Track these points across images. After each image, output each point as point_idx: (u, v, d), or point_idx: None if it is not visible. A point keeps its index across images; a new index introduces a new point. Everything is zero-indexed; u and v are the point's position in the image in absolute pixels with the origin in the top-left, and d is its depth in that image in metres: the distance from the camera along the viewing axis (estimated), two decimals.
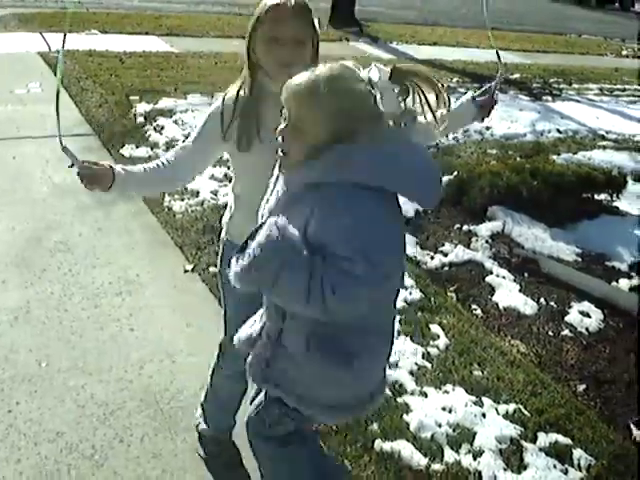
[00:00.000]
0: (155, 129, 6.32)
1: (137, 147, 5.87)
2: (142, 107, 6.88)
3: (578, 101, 10.10)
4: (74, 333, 3.33)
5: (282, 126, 1.67)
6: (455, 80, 10.14)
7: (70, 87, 7.54)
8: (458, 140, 7.10)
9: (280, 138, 1.67)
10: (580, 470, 2.79)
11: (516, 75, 11.23)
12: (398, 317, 3.60)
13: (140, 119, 6.57)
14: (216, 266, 4.05)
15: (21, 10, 12.25)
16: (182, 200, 4.92)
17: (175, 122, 6.54)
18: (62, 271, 3.88)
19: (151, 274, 3.96)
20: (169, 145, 5.88)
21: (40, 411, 2.79)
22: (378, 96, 1.62)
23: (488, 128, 7.57)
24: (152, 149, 5.84)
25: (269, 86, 2.03)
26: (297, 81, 1.64)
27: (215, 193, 5.08)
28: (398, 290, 1.85)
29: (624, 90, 11.51)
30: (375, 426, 2.85)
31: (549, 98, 10.00)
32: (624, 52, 16.59)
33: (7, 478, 2.47)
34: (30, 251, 4.06)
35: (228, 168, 5.56)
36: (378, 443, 2.77)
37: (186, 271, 4.04)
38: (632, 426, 3.19)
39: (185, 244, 4.35)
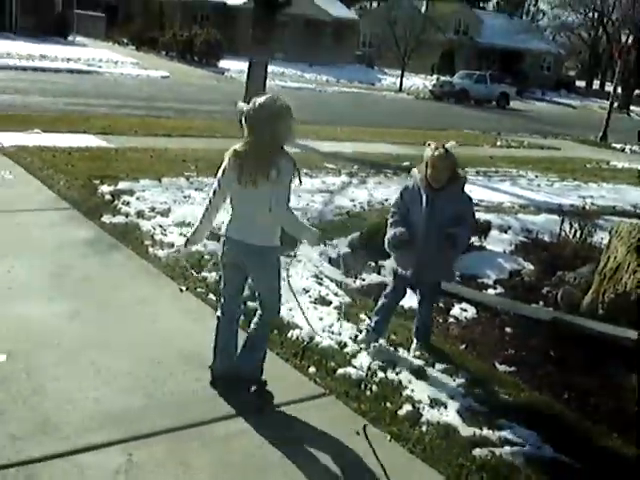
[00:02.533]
0: (123, 203, 7.80)
1: (114, 216, 7.32)
2: (106, 188, 8.32)
3: None
4: (120, 325, 4.79)
5: None
6: (355, 167, 12.21)
7: (36, 173, 8.89)
8: (364, 209, 8.97)
9: None
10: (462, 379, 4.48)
11: (407, 162, 13.35)
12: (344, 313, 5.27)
13: (108, 197, 8.03)
14: (202, 288, 5.54)
15: None
16: (162, 249, 6.42)
17: (137, 198, 8.04)
18: (91, 293, 5.29)
19: (157, 294, 5.44)
20: (139, 214, 7.40)
21: (112, 360, 4.22)
22: None
23: (387, 199, 9.46)
24: (127, 217, 7.32)
25: None
26: None
27: None
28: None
29: (496, 172, 13.98)
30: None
31: None
32: (498, 143, 19.38)
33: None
34: (59, 282, 5.42)
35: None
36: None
37: (181, 290, 5.53)
38: (496, 364, 4.91)
39: (174, 276, 5.84)
